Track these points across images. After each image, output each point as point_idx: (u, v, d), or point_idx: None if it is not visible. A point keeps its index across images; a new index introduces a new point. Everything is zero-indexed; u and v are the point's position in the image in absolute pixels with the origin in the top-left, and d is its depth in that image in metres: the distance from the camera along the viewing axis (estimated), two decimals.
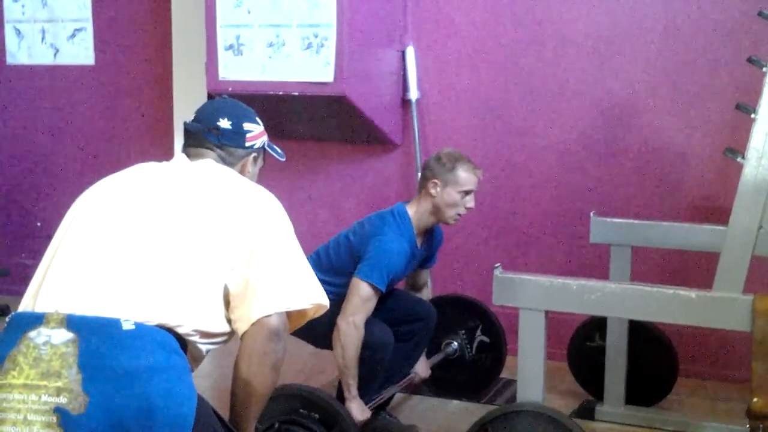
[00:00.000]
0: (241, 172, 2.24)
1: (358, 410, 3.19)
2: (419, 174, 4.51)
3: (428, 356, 3.79)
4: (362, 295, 3.21)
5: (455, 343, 3.95)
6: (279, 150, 2.40)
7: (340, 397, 3.22)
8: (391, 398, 3.65)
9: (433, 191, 3.34)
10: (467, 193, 3.36)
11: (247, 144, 2.26)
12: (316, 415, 2.90)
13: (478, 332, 3.95)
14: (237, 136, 2.24)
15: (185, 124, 2.26)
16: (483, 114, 4.56)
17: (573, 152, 4.41)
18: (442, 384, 3.97)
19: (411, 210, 3.40)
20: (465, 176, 3.34)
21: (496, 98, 4.52)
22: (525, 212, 4.53)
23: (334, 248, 3.44)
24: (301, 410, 2.90)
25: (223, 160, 2.21)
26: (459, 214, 3.38)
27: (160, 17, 5.14)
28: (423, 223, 3.41)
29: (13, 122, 5.64)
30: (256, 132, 2.29)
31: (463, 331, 3.96)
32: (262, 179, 2.35)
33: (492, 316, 3.92)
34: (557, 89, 4.41)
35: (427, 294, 3.79)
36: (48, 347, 1.74)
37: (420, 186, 3.44)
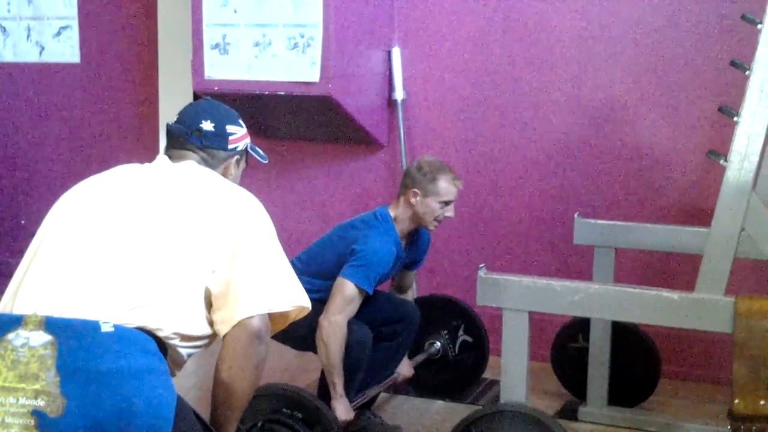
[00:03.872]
0: (224, 174, 2.23)
1: (343, 410, 3.19)
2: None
3: (411, 356, 3.80)
4: (346, 295, 3.21)
5: (438, 343, 3.96)
6: (261, 152, 2.39)
7: (322, 396, 3.22)
8: (375, 398, 3.66)
9: (412, 200, 3.36)
10: (447, 203, 3.37)
11: (230, 146, 2.25)
12: (299, 415, 2.90)
13: (461, 332, 3.96)
14: (220, 139, 2.23)
15: (168, 125, 2.25)
16: (468, 115, 4.57)
17: (557, 153, 4.42)
18: (425, 384, 3.98)
19: (392, 213, 3.41)
20: (445, 187, 3.36)
21: (482, 99, 4.53)
22: (509, 213, 4.53)
23: (318, 252, 3.45)
24: (284, 410, 2.91)
25: (206, 162, 2.21)
26: (438, 221, 3.40)
27: (146, 16, 5.13)
28: (405, 228, 3.42)
29: None
30: (239, 134, 2.28)
31: (446, 331, 3.97)
32: (246, 178, 2.35)
33: (474, 315, 3.94)
34: (542, 91, 4.41)
35: (410, 296, 3.81)
36: (26, 349, 1.73)
37: (399, 192, 3.44)
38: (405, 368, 3.70)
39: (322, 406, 2.97)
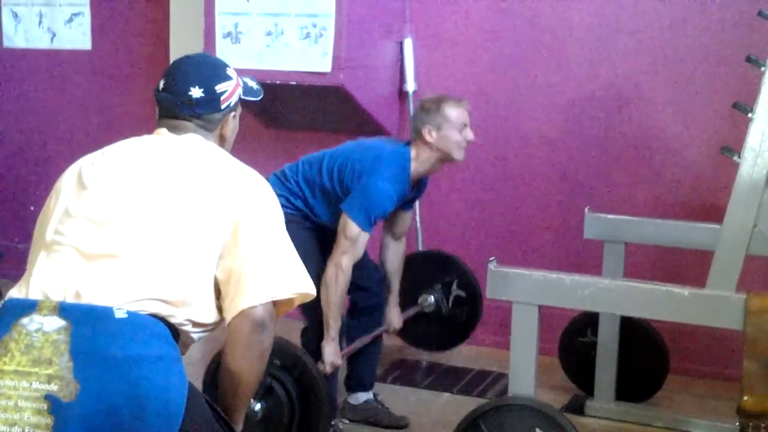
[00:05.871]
0: (223, 133, 2.19)
1: (332, 352, 3.28)
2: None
3: (404, 309, 3.84)
4: (350, 236, 3.25)
5: (432, 298, 4.01)
6: (255, 88, 2.32)
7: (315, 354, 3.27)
8: (374, 377, 3.70)
9: (429, 138, 3.35)
10: (463, 126, 3.37)
11: (223, 106, 2.16)
12: (277, 362, 2.94)
13: (454, 286, 3.98)
14: (212, 103, 2.14)
15: (157, 95, 2.16)
16: (479, 107, 4.53)
17: (569, 147, 4.40)
18: (417, 337, 4.10)
19: (413, 155, 3.39)
20: (454, 112, 3.37)
21: (493, 91, 4.51)
22: (519, 206, 4.52)
23: (328, 172, 3.41)
24: None
25: (204, 128, 2.14)
26: (463, 148, 3.40)
27: (158, 3, 5.12)
28: (428, 169, 3.42)
29: (8, 105, 5.62)
30: (229, 90, 2.18)
31: (440, 286, 4.00)
32: (255, 166, 2.33)
33: (468, 271, 4.01)
34: (554, 83, 4.40)
35: (401, 245, 3.76)
36: (40, 334, 1.74)
37: (413, 138, 3.44)
38: (395, 320, 3.74)
39: (299, 350, 3.04)
